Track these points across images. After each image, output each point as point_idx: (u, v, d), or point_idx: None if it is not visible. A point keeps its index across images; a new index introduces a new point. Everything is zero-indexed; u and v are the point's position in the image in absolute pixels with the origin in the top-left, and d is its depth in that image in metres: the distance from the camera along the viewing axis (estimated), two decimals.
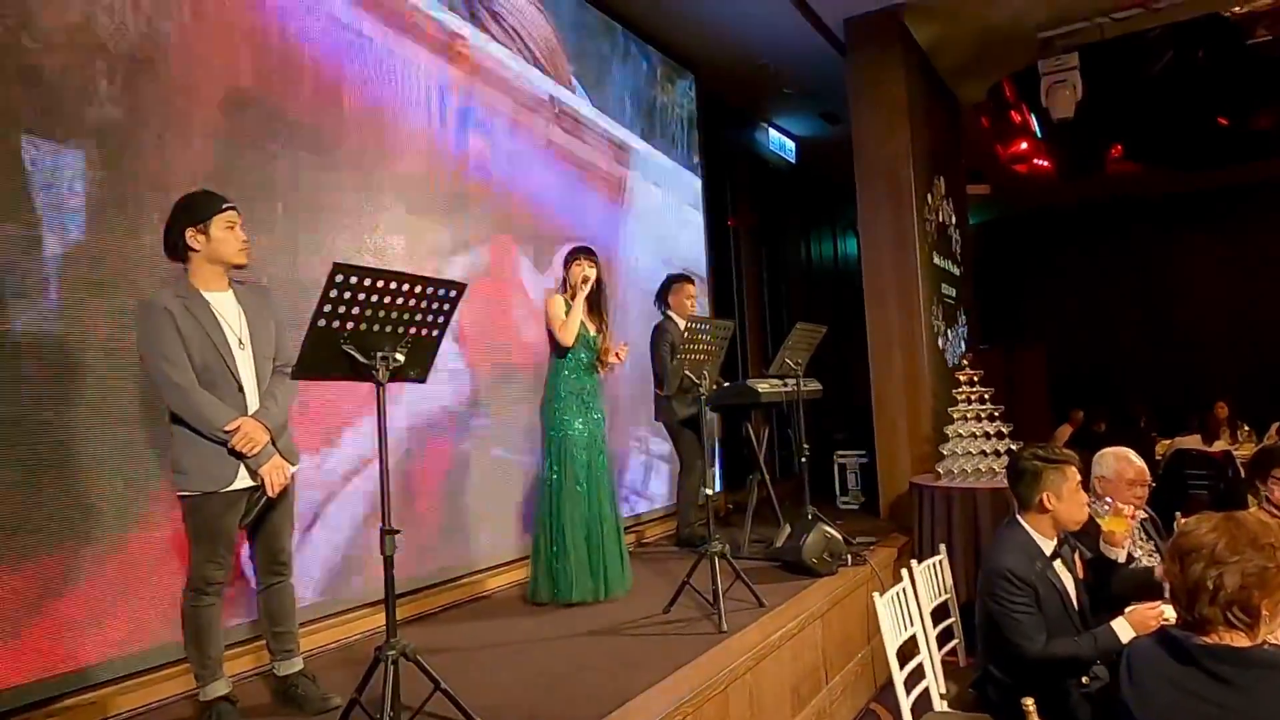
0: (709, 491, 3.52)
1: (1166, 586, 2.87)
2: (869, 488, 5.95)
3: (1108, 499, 2.77)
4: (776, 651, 3.00)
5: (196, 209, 2.36)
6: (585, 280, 3.69)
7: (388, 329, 2.17)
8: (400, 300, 2.16)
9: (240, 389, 2.38)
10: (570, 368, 3.70)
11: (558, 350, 3.71)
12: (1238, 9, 6.05)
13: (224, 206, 2.38)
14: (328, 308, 2.05)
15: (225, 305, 2.40)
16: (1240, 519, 1.59)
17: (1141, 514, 3.11)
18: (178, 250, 2.37)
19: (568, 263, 3.78)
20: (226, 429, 2.30)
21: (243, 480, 2.36)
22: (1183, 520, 2.40)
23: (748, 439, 4.86)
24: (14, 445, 2.40)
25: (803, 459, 4.41)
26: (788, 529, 4.29)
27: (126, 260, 2.69)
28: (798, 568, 3.87)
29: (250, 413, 2.38)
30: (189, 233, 2.35)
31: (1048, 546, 2.52)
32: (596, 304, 3.78)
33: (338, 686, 2.54)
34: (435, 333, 2.30)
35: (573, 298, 3.69)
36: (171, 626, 2.54)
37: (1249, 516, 1.62)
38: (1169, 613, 2.33)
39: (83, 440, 2.56)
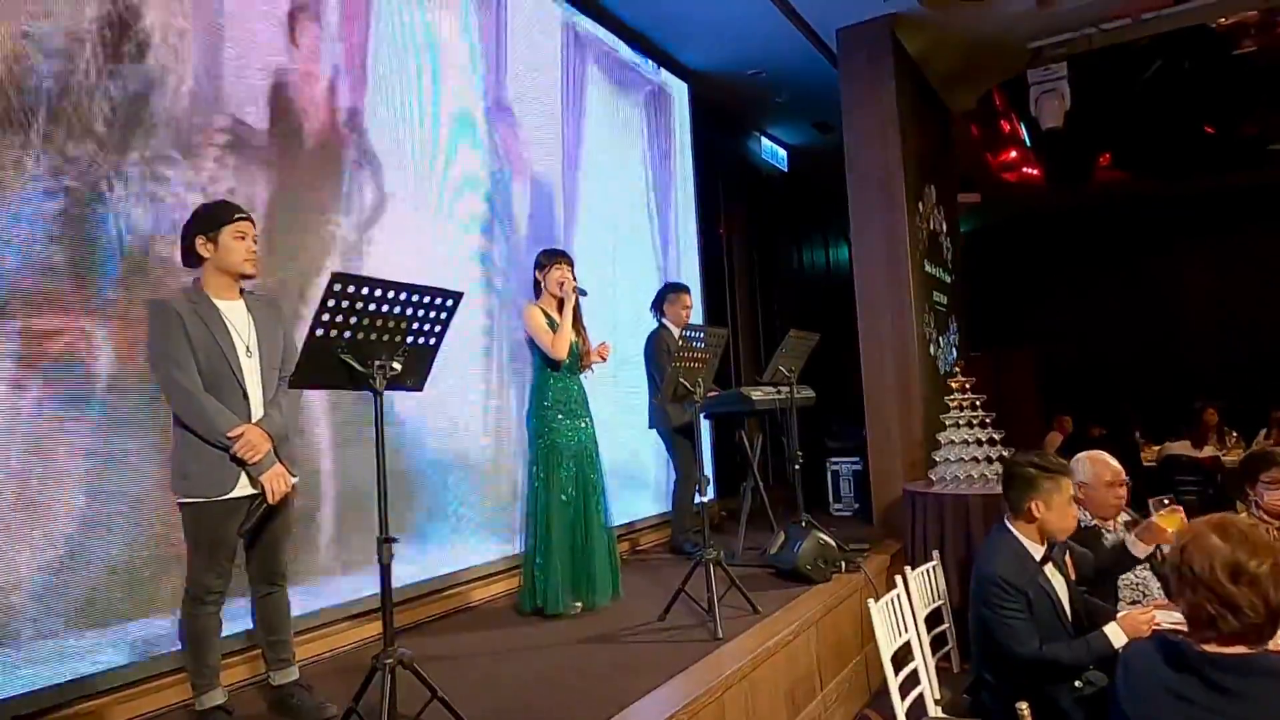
0: (703, 499, 3.52)
1: (1160, 585, 2.90)
2: (862, 494, 5.96)
3: (1165, 498, 2.74)
4: (772, 658, 3.00)
5: (209, 218, 2.39)
6: (573, 290, 3.57)
7: (385, 338, 2.16)
8: (398, 309, 2.16)
9: (245, 396, 2.37)
10: (554, 375, 3.61)
11: (541, 360, 3.62)
12: (1224, 20, 6.12)
13: (236, 217, 2.39)
14: (325, 316, 2.04)
15: (235, 313, 2.41)
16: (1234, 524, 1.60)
17: (1125, 516, 3.13)
18: (191, 257, 2.40)
19: (542, 267, 3.66)
20: (230, 435, 2.29)
21: (243, 488, 2.35)
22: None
23: (741, 446, 4.87)
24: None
25: (796, 466, 4.42)
26: (781, 536, 4.30)
27: None
28: (792, 575, 3.88)
29: (254, 420, 2.37)
30: (199, 240, 2.37)
31: (1037, 552, 2.54)
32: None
33: (330, 696, 2.53)
34: (433, 341, 2.30)
35: (557, 308, 3.59)
36: (171, 636, 2.54)
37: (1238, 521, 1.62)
38: (1160, 617, 2.36)
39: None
